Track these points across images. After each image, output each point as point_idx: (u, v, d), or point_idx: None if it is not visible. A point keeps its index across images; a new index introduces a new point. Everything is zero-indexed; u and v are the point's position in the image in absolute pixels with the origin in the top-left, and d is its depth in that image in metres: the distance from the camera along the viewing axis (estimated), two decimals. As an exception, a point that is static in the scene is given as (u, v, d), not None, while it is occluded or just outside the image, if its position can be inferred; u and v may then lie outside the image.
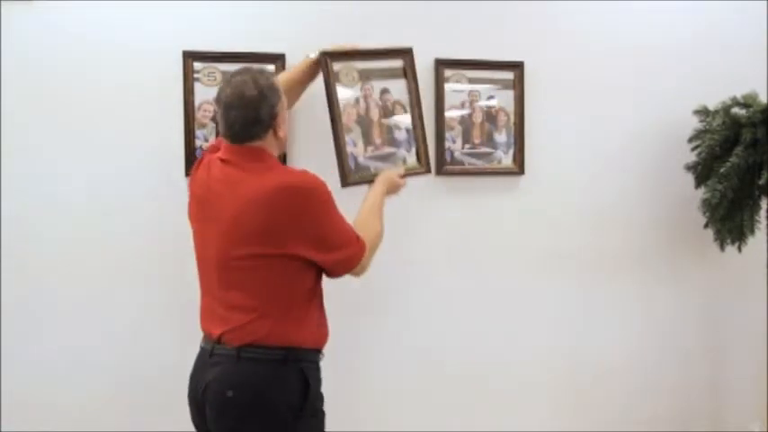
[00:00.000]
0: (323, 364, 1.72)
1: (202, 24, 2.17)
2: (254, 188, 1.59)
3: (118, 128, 2.12)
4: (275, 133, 1.67)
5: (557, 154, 2.52)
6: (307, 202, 1.60)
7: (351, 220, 1.76)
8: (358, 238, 1.70)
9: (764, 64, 2.71)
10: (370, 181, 1.98)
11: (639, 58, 2.60)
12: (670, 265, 2.68)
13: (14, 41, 2.04)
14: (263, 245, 1.58)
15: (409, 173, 2.09)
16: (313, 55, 2.01)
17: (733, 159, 2.38)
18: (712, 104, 2.52)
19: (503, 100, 2.46)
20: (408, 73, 2.13)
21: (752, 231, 2.46)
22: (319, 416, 1.69)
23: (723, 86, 2.54)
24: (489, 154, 2.45)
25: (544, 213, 2.52)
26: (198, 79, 2.15)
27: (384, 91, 2.10)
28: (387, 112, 2.10)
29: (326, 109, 1.97)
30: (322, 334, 1.73)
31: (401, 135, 2.12)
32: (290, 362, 1.61)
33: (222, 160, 1.67)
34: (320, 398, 1.69)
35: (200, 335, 1.73)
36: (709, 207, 2.45)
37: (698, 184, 2.54)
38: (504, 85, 2.45)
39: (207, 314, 1.71)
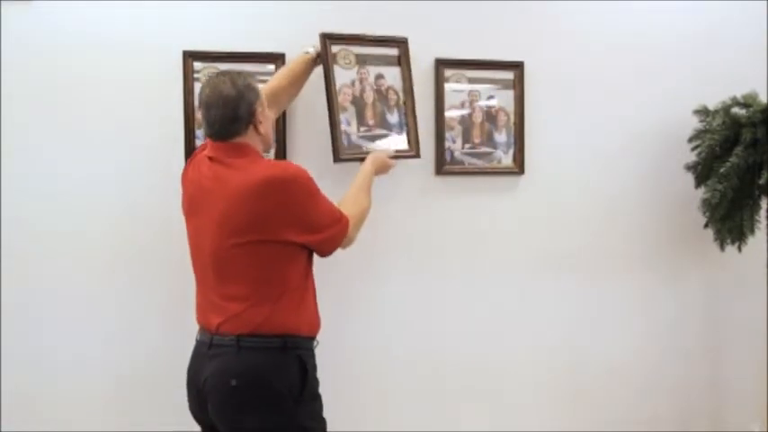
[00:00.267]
0: (319, 362, 1.75)
1: (202, 24, 2.17)
2: (240, 182, 1.65)
3: (118, 128, 2.12)
4: (256, 129, 1.74)
5: (557, 154, 2.52)
6: (291, 192, 1.67)
7: (340, 196, 1.89)
8: (341, 215, 1.79)
9: (764, 64, 2.71)
10: (361, 159, 2.08)
11: (639, 58, 2.60)
12: (670, 265, 2.68)
13: (14, 41, 2.04)
14: (254, 233, 1.65)
15: (399, 155, 2.19)
16: (311, 50, 2.11)
17: (733, 159, 2.37)
18: (712, 104, 2.52)
19: (503, 100, 2.46)
20: (403, 61, 2.26)
21: (752, 231, 2.46)
22: (317, 399, 1.76)
23: (723, 86, 2.53)
24: (489, 154, 2.45)
25: (544, 213, 2.52)
26: (198, 79, 2.15)
27: (379, 76, 2.23)
28: (381, 96, 2.22)
29: (324, 91, 2.10)
30: (315, 322, 1.80)
31: (393, 119, 2.23)
32: (289, 349, 1.67)
33: (210, 158, 1.74)
34: (317, 382, 1.76)
35: (200, 334, 1.74)
36: (709, 207, 2.45)
37: (698, 184, 2.54)
38: (504, 85, 2.45)
39: (203, 307, 1.76)
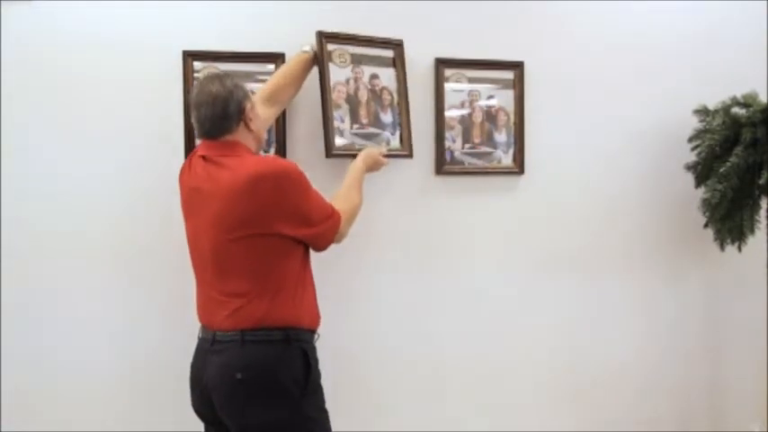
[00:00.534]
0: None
1: (202, 24, 2.17)
2: (232, 179, 1.67)
3: (118, 128, 2.12)
4: (247, 126, 1.76)
5: (557, 154, 2.52)
6: (283, 187, 1.68)
7: (334, 190, 1.93)
8: (333, 211, 1.81)
9: (764, 64, 2.71)
10: (353, 155, 2.09)
11: (639, 58, 2.60)
12: (670, 265, 2.68)
13: (14, 41, 2.04)
14: (249, 228, 1.66)
15: (391, 153, 2.21)
16: (308, 48, 2.12)
17: (733, 159, 2.37)
18: (712, 104, 2.52)
19: (503, 100, 2.46)
20: (398, 63, 2.28)
21: (752, 231, 2.46)
22: (320, 391, 1.77)
23: (723, 86, 2.53)
24: (489, 154, 2.45)
25: (544, 213, 2.52)
26: (198, 79, 2.15)
27: (373, 76, 2.25)
28: (375, 95, 2.24)
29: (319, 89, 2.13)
30: (315, 315, 1.82)
31: (387, 119, 2.25)
32: (292, 341, 1.69)
33: (203, 157, 1.76)
34: (319, 375, 1.77)
35: (201, 334, 1.74)
36: (709, 207, 2.45)
37: (698, 184, 2.54)
38: (503, 84, 2.45)
39: (204, 305, 1.78)
